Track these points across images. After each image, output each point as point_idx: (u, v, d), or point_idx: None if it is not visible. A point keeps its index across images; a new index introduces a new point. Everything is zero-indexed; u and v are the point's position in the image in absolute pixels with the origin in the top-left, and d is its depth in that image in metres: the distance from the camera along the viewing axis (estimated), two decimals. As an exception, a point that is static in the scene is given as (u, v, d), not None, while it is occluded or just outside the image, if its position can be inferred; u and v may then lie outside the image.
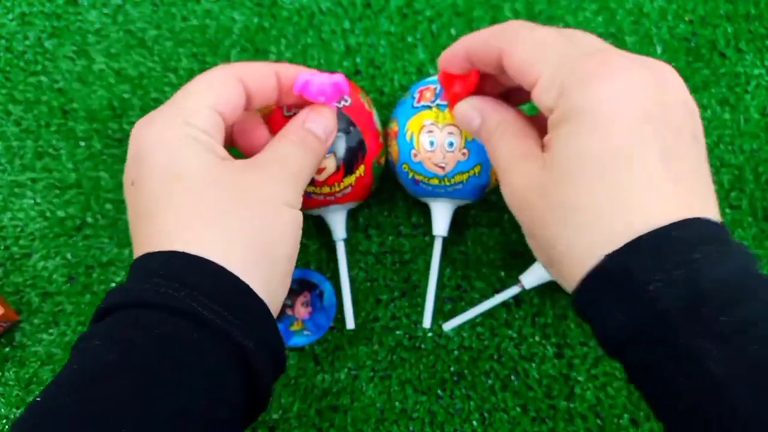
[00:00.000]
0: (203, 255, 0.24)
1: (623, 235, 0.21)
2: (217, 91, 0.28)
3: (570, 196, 0.23)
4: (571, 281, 0.23)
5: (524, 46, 0.25)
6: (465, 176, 0.34)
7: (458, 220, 0.40)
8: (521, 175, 0.25)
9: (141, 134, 0.27)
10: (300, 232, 0.28)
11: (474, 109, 0.29)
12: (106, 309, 0.24)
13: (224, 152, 0.28)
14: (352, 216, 0.40)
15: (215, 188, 0.26)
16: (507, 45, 0.26)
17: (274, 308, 0.27)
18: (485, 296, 0.38)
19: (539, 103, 0.25)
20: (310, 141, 0.30)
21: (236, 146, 0.32)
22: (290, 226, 0.27)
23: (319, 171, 0.33)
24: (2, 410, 0.37)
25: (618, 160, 0.22)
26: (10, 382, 0.37)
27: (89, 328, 0.24)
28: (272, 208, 0.27)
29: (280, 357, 0.26)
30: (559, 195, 0.23)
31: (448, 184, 0.34)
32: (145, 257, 0.25)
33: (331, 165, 0.33)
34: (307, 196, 0.34)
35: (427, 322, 0.37)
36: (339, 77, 0.31)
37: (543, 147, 0.25)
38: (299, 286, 0.38)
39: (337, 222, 0.37)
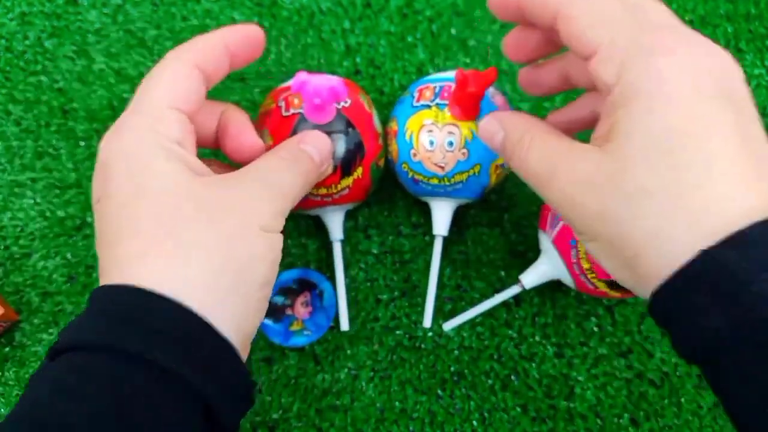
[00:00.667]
0: (164, 289, 0.22)
1: (718, 227, 0.19)
2: (177, 88, 0.26)
3: (648, 181, 0.20)
4: (651, 281, 0.21)
5: (586, 9, 0.22)
6: (465, 176, 0.34)
7: (458, 220, 0.40)
8: (576, 171, 0.22)
9: (108, 147, 0.25)
10: (279, 257, 0.26)
11: (496, 121, 0.27)
12: (57, 350, 0.22)
13: (198, 163, 0.26)
14: (352, 216, 0.40)
15: (185, 209, 0.24)
16: (566, 5, 0.23)
17: (245, 340, 0.25)
18: (485, 296, 0.38)
19: (597, 76, 0.22)
20: (304, 161, 0.28)
21: (221, 150, 0.31)
22: (266, 252, 0.25)
23: None
24: (2, 410, 0.37)
25: (700, 139, 0.20)
26: (10, 382, 0.37)
27: (43, 366, 0.22)
28: (247, 232, 0.24)
29: (248, 396, 0.24)
30: (636, 181, 0.20)
31: (447, 183, 0.34)
32: (104, 290, 0.23)
33: (328, 166, 0.33)
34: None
35: (427, 322, 0.37)
36: (337, 81, 0.31)
37: (599, 135, 0.23)
38: (299, 286, 0.38)
39: (335, 223, 0.37)
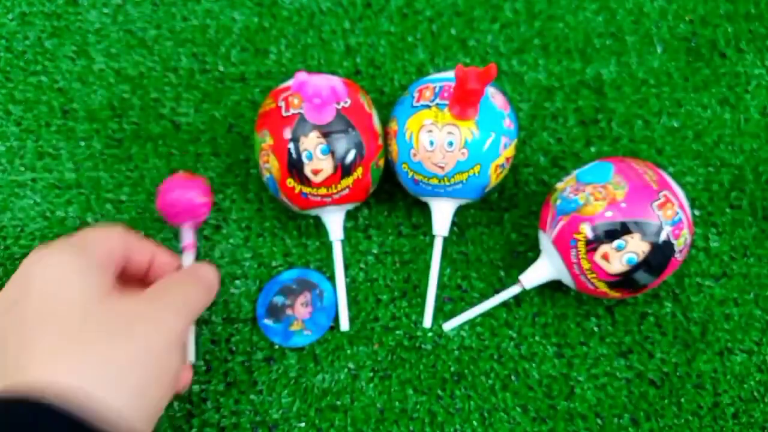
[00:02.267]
0: (59, 402, 0.22)
1: None
2: (111, 240, 0.30)
3: None
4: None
5: None
6: (464, 176, 0.34)
7: (458, 220, 0.40)
8: None
9: (31, 260, 0.27)
10: (179, 368, 0.28)
11: None
12: None
13: (112, 284, 0.28)
14: (352, 216, 0.40)
15: (93, 320, 0.25)
16: None
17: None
18: (485, 296, 0.38)
19: None
20: (206, 278, 0.32)
21: (148, 279, 0.33)
22: (168, 363, 0.27)
23: (316, 172, 0.33)
24: (2, 410, 0.37)
25: None
26: (10, 382, 0.37)
27: None
28: (154, 343, 0.26)
29: None
30: None
31: (447, 183, 0.34)
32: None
33: (328, 166, 0.33)
34: (303, 197, 0.34)
35: (427, 322, 0.37)
36: (336, 81, 0.31)
37: None
38: (299, 286, 0.38)
39: (335, 222, 0.37)
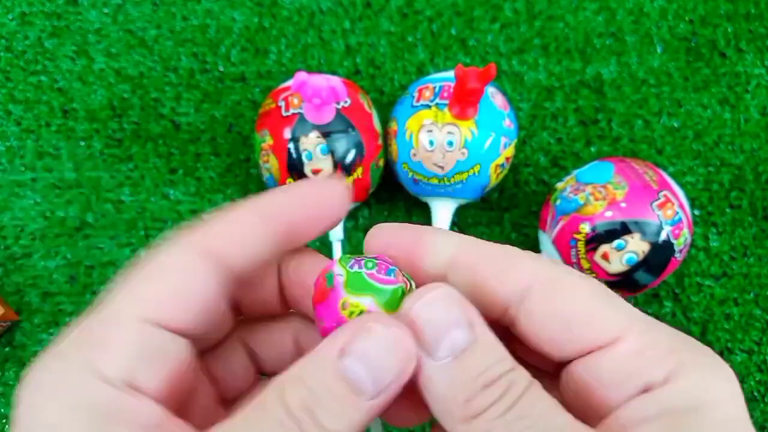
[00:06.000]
0: None
1: None
2: (160, 291, 0.16)
3: None
4: None
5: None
6: (464, 176, 0.34)
7: (458, 220, 0.40)
8: None
9: (22, 393, 0.15)
10: None
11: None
12: None
13: (152, 417, 0.15)
14: (352, 216, 0.40)
15: None
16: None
17: None
18: (485, 296, 0.38)
19: (629, 370, 0.16)
20: None
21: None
22: None
23: (316, 172, 0.33)
24: (2, 410, 0.37)
25: None
26: (10, 382, 0.37)
27: None
28: None
29: None
30: None
31: (447, 183, 0.34)
32: None
33: (328, 167, 0.33)
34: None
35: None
36: (336, 81, 0.31)
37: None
38: (299, 286, 0.38)
39: (337, 222, 0.37)
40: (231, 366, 0.16)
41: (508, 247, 0.17)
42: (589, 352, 0.16)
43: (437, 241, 0.18)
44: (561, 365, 0.17)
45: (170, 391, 0.16)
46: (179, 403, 0.16)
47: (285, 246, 0.18)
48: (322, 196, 0.19)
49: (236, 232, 0.17)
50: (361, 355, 0.15)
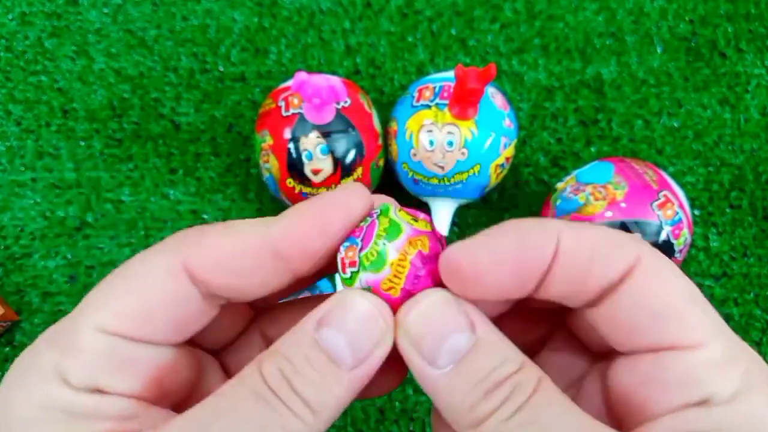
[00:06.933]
0: None
1: None
2: (141, 298, 0.16)
3: None
4: None
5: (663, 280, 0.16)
6: (464, 176, 0.34)
7: (458, 220, 0.40)
8: None
9: (2, 388, 0.16)
10: None
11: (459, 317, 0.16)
12: None
13: (123, 410, 0.15)
14: (352, 216, 0.40)
15: None
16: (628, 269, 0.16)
17: None
18: (485, 296, 0.38)
19: (707, 381, 0.15)
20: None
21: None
22: None
23: (316, 172, 0.33)
24: (2, 410, 0.37)
25: None
26: (10, 382, 0.37)
27: None
28: None
29: None
30: None
31: (447, 183, 0.34)
32: None
33: (328, 167, 0.33)
34: (303, 197, 0.34)
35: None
36: (336, 81, 0.31)
37: None
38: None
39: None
40: (248, 361, 0.16)
41: (609, 229, 0.17)
42: (664, 349, 0.15)
43: (540, 243, 0.16)
44: (608, 354, 0.17)
45: (150, 392, 0.16)
46: (163, 396, 0.17)
47: (290, 275, 0.18)
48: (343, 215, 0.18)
49: (226, 255, 0.16)
50: (339, 326, 0.15)
